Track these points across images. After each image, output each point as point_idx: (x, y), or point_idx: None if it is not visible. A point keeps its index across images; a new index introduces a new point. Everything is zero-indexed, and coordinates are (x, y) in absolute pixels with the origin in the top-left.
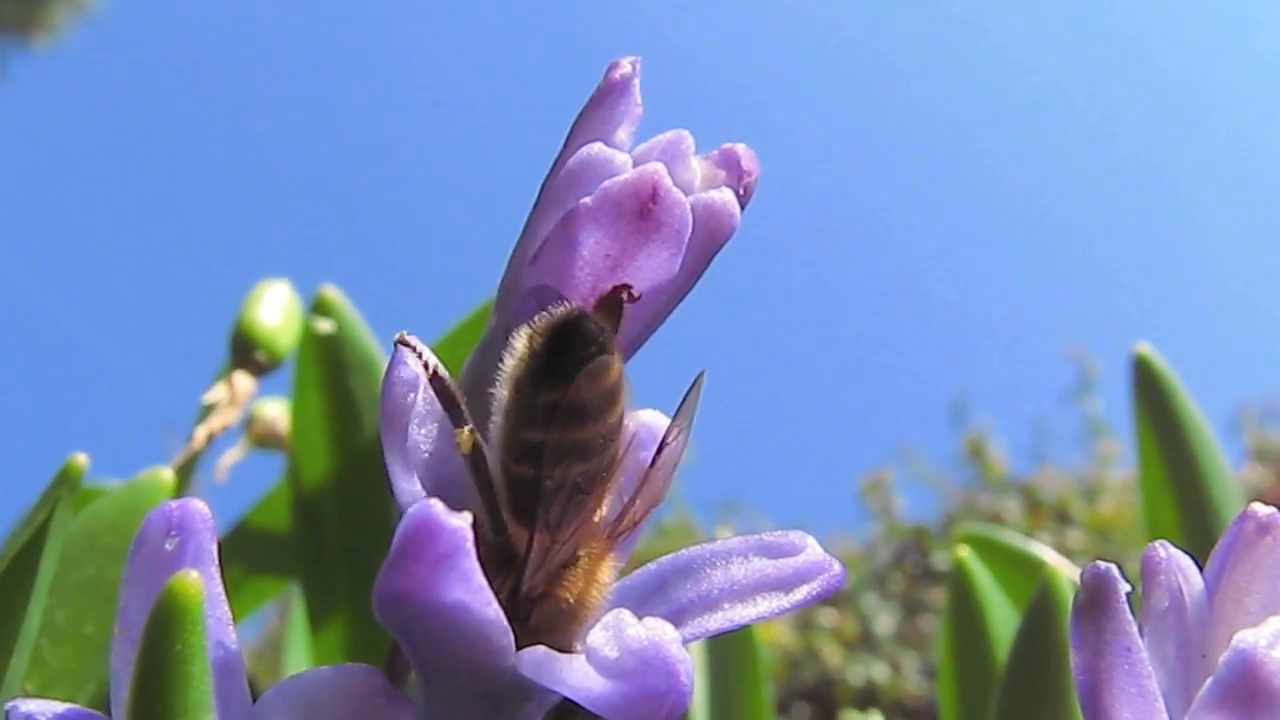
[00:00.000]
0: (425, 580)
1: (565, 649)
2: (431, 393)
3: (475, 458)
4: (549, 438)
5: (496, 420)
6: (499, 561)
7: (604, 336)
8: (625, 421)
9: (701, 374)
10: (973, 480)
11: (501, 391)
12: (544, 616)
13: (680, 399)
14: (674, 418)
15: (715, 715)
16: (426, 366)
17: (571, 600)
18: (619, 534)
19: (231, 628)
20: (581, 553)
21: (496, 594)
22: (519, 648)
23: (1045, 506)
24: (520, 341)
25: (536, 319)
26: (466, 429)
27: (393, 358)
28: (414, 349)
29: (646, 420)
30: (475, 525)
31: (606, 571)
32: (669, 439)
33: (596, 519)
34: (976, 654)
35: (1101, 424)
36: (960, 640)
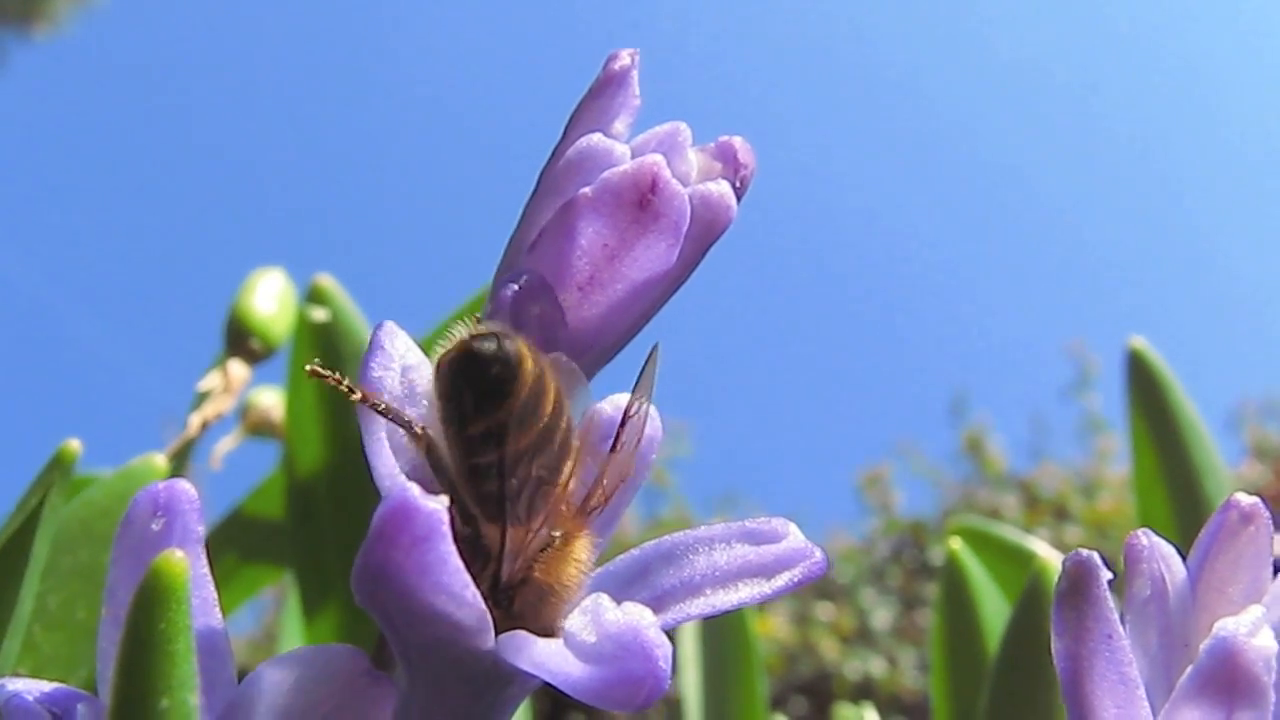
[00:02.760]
0: (402, 563)
1: (550, 631)
2: (410, 379)
3: (434, 458)
4: (497, 456)
5: (444, 448)
6: (475, 553)
7: (503, 349)
8: (565, 400)
9: (655, 347)
10: (971, 476)
11: (434, 418)
12: (526, 601)
13: (637, 373)
14: (632, 391)
15: (710, 708)
16: (376, 406)
17: (551, 582)
18: (590, 511)
19: (217, 608)
20: (556, 534)
21: (477, 585)
22: (504, 628)
23: (1044, 502)
24: (431, 379)
25: (439, 356)
26: (417, 429)
27: (370, 344)
28: (347, 387)
29: (609, 404)
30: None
31: (583, 550)
32: (630, 413)
33: (565, 502)
34: (968, 646)
35: (1100, 420)
36: (952, 632)
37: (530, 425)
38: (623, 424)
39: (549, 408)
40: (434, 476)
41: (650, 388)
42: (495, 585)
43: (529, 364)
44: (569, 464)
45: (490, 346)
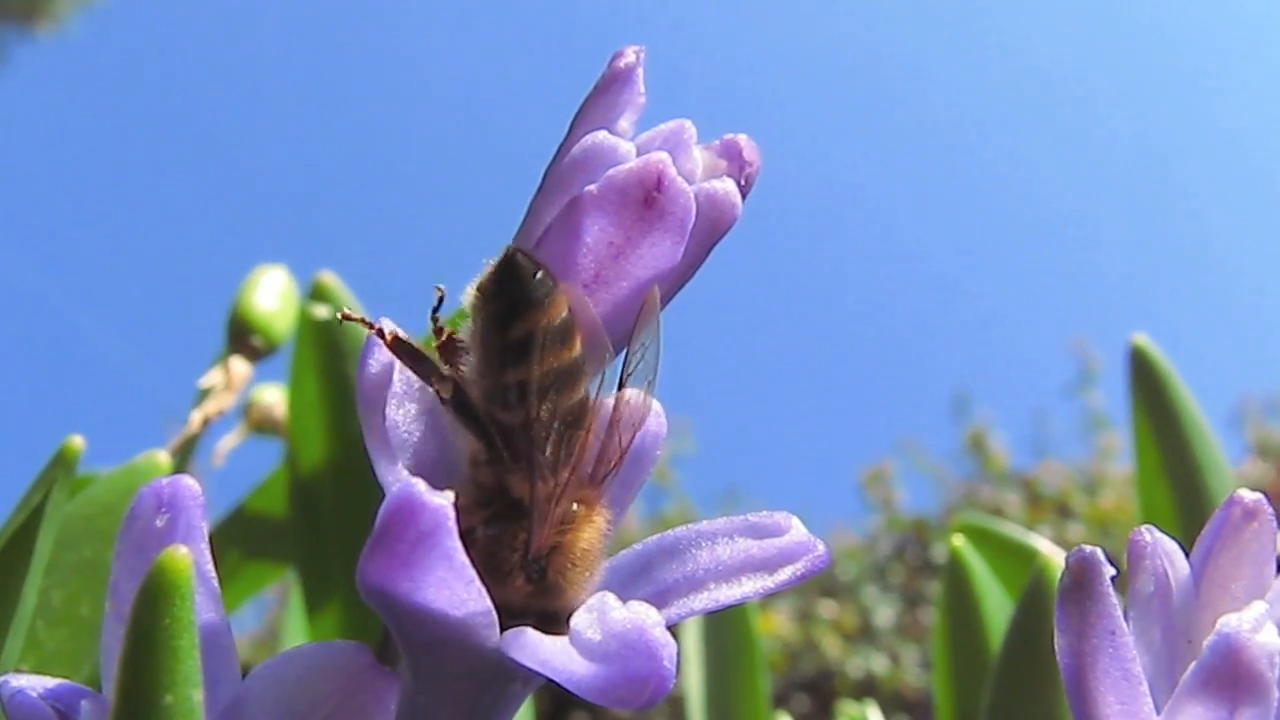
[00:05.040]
0: (407, 559)
1: (579, 602)
2: (408, 375)
3: (459, 400)
4: (532, 372)
5: (473, 380)
6: (505, 526)
7: (543, 266)
8: (586, 357)
9: (652, 291)
10: (974, 473)
11: (470, 354)
12: (559, 569)
13: (633, 323)
14: (630, 340)
15: (713, 706)
16: (383, 335)
17: (581, 544)
18: (607, 474)
19: (221, 604)
20: (576, 501)
21: (510, 559)
22: (539, 604)
23: (1046, 500)
24: (470, 299)
25: (478, 275)
26: (444, 373)
27: (366, 341)
28: (377, 329)
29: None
30: (468, 500)
31: (602, 518)
32: (630, 365)
33: (583, 466)
34: (971, 643)
35: (1102, 417)
36: (955, 629)
37: (560, 349)
38: (623, 376)
39: (576, 346)
40: (463, 424)
41: (655, 335)
42: (527, 556)
43: (562, 293)
44: (589, 420)
45: (531, 260)
